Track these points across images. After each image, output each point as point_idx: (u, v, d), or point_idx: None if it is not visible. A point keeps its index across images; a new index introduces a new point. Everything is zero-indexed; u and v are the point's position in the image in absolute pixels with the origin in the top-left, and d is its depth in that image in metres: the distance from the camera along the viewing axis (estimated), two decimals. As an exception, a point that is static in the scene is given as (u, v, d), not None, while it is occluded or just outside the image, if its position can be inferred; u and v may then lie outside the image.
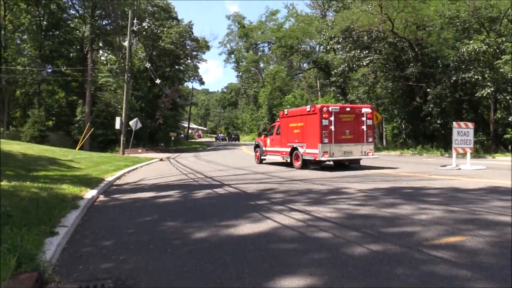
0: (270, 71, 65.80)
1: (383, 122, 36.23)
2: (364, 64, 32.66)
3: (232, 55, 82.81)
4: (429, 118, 27.70)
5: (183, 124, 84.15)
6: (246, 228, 5.71)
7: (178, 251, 4.70)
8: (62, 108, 47.89)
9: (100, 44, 48.89)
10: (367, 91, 35.29)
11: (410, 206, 6.90)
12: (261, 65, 78.28)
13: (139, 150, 38.82)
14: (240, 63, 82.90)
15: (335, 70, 36.55)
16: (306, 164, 15.79)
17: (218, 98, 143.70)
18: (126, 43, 30.72)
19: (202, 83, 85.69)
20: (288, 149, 16.95)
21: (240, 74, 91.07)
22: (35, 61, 41.23)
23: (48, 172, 12.67)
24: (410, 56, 29.78)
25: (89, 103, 41.60)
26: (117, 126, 29.74)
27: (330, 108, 15.02)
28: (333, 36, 33.72)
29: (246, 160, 23.35)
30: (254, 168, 17.36)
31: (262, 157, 20.13)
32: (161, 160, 25.89)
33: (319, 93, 57.39)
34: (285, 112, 17.98)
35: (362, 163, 16.55)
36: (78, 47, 47.17)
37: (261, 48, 72.79)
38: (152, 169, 19.18)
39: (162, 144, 48.58)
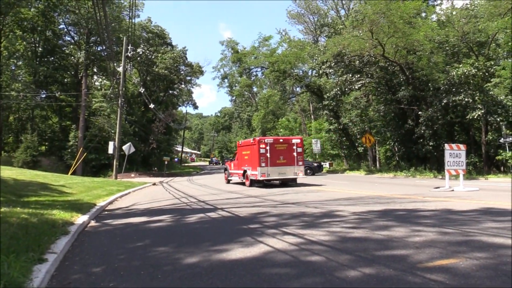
0: (264, 95, 66.18)
1: (376, 145, 36.41)
2: (356, 87, 33.02)
3: (226, 80, 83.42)
4: (421, 140, 27.87)
5: (176, 148, 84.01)
6: (238, 252, 5.64)
7: (169, 277, 4.61)
8: (55, 133, 47.68)
9: (95, 70, 49.21)
10: (360, 114, 35.60)
11: (404, 229, 6.86)
12: (255, 89, 78.81)
13: (132, 175, 38.61)
14: (234, 88, 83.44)
15: (327, 94, 36.88)
16: (254, 183, 19.86)
17: (212, 122, 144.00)
18: (120, 69, 30.93)
19: (195, 107, 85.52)
20: (242, 171, 21.43)
21: (234, 98, 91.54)
22: (29, 86, 41.31)
23: (39, 197, 12.52)
24: (401, 79, 30.18)
25: (83, 128, 41.56)
26: (110, 150, 29.66)
27: (266, 140, 19.56)
28: (325, 60, 34.15)
29: (239, 184, 23.23)
30: (247, 191, 17.26)
31: (229, 178, 24.28)
32: (154, 184, 25.71)
33: (312, 116, 57.76)
34: (240, 143, 23.06)
35: (299, 181, 20.74)
36: (73, 73, 47.41)
37: (254, 73, 73.47)
38: (145, 193, 19.03)
39: (156, 168, 48.40)
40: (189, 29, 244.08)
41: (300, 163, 19.74)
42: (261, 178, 19.00)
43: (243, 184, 21.61)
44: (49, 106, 46.45)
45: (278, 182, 20.37)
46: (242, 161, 21.57)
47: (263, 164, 18.98)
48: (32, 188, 15.31)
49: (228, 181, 24.46)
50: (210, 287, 4.16)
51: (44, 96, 45.90)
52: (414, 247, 5.46)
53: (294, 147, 19.65)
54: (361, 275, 4.27)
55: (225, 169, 25.74)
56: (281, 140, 20.10)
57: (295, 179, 20.25)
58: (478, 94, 23.96)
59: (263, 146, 19.12)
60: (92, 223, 9.27)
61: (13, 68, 46.50)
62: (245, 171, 20.87)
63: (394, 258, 4.94)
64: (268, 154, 19.06)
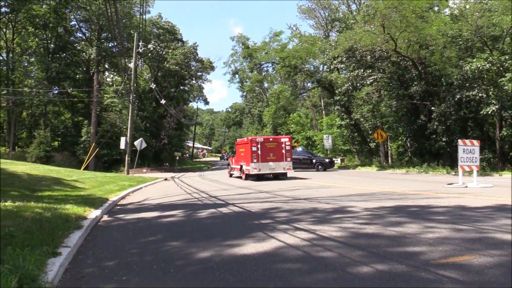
0: (274, 90, 65.94)
1: (388, 141, 36.11)
2: (368, 83, 32.78)
3: (237, 75, 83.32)
4: (434, 136, 27.59)
5: (188, 144, 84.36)
6: (250, 247, 5.65)
7: (181, 271, 4.64)
8: (67, 129, 48.27)
9: (106, 66, 49.64)
10: (371, 109, 35.32)
11: (417, 225, 6.80)
12: (265, 84, 78.58)
13: (144, 170, 38.88)
14: (244, 83, 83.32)
15: (339, 89, 36.67)
16: (249, 177, 22.45)
17: (223, 118, 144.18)
18: (131, 65, 31.09)
19: (206, 103, 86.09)
20: (239, 167, 24.28)
21: (245, 93, 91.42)
22: (42, 82, 41.81)
23: (53, 192, 12.67)
24: (414, 74, 29.87)
25: (95, 123, 41.96)
26: (122, 146, 29.88)
27: (257, 139, 22.52)
28: (336, 55, 33.93)
29: (250, 180, 23.25)
30: (258, 187, 17.28)
31: (231, 172, 26.87)
32: (165, 179, 25.87)
33: (323, 112, 57.45)
34: (238, 141, 26.59)
35: (289, 175, 23.55)
36: (85, 69, 47.87)
37: (265, 68, 73.26)
38: (156, 188, 19.16)
39: (167, 163, 48.65)
40: (200, 25, 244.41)
41: (289, 159, 22.51)
42: (254, 173, 21.77)
43: (241, 177, 24.02)
44: (62, 102, 46.98)
45: (271, 175, 22.79)
46: (239, 158, 24.47)
47: (254, 160, 21.70)
48: (46, 183, 15.50)
49: (230, 175, 27.00)
50: (222, 281, 4.18)
51: (56, 92, 46.48)
52: (427, 243, 5.42)
53: (283, 145, 22.46)
54: (373, 271, 4.25)
55: (228, 164, 29.16)
56: (271, 139, 23.21)
57: (285, 173, 23.04)
58: (492, 89, 23.61)
59: (255, 144, 21.95)
60: (105, 217, 9.36)
61: (25, 64, 47.13)
62: (241, 166, 23.68)
63: (407, 254, 4.91)
64: (259, 152, 21.85)
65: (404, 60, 29.34)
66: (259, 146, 21.91)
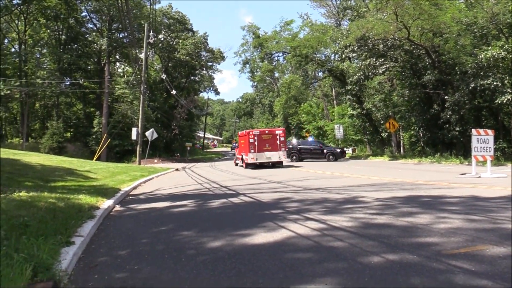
0: (285, 80, 65.63)
1: (400, 130, 35.81)
2: (380, 72, 32.42)
3: (247, 65, 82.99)
4: (447, 125, 27.26)
5: (198, 134, 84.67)
6: (260, 237, 5.69)
7: (193, 260, 4.70)
8: (79, 120, 48.73)
9: (117, 57, 49.81)
10: (384, 99, 35.00)
11: (429, 215, 6.77)
12: (276, 74, 78.19)
13: (155, 160, 39.17)
14: (255, 73, 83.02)
15: (350, 79, 36.34)
16: (248, 165, 25.20)
17: (234, 108, 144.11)
18: (142, 55, 31.19)
19: (217, 93, 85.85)
20: (240, 156, 27.28)
21: (255, 83, 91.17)
22: (54, 74, 42.14)
23: (66, 182, 12.86)
24: (427, 63, 29.45)
25: (106, 114, 42.27)
26: (133, 136, 30.10)
27: (254, 132, 25.55)
28: (348, 44, 33.60)
29: (260, 169, 23.33)
30: (269, 177, 17.32)
31: (236, 162, 29.57)
32: (176, 170, 26.01)
33: (334, 101, 57.12)
34: (239, 133, 30.06)
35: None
36: (96, 60, 48.10)
37: (276, 58, 72.75)
38: (167, 179, 19.31)
39: (178, 154, 48.95)
40: (210, 15, 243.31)
41: (283, 149, 25.38)
42: (251, 162, 24.64)
43: (242, 166, 26.77)
44: (74, 93, 47.38)
45: (270, 163, 25.46)
46: (241, 148, 27.32)
47: (252, 151, 24.50)
48: (59, 173, 15.72)
49: (236, 164, 29.56)
50: (233, 271, 4.22)
51: (68, 83, 46.84)
52: (439, 234, 5.40)
53: (278, 137, 25.27)
54: (384, 261, 4.26)
55: (234, 154, 33.42)
56: (266, 132, 26.26)
57: (281, 162, 25.81)
58: (507, 77, 23.18)
59: (252, 136, 24.81)
60: (117, 207, 9.48)
61: (37, 56, 47.50)
62: (242, 156, 26.62)
63: (418, 245, 4.90)
64: (256, 143, 24.56)
65: (417, 48, 28.91)
66: (255, 138, 24.69)
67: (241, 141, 27.35)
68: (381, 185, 12.40)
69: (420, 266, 4.03)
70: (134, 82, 39.23)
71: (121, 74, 51.38)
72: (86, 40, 47.33)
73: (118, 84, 44.77)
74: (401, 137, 36.66)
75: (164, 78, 39.89)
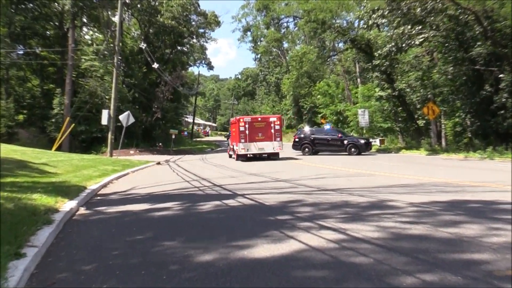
0: (296, 52, 65.61)
1: (442, 117, 35.74)
2: (417, 43, 32.26)
3: (249, 33, 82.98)
4: (502, 111, 27.19)
5: (186, 119, 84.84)
6: (263, 250, 5.68)
7: (176, 277, 4.69)
8: (35, 99, 48.51)
9: (84, 20, 49.43)
10: (421, 77, 34.90)
11: (478, 225, 6.76)
12: (285, 45, 78.22)
13: (131, 151, 39.25)
14: (259, 43, 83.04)
15: (379, 51, 36.19)
16: (239, 157, 27.05)
17: (231, 87, 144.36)
18: (116, 18, 31.06)
19: (210, 67, 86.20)
20: (232, 147, 28.90)
21: (259, 56, 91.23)
22: (3, 40, 41.96)
23: (17, 178, 12.84)
24: (477, 32, 29.31)
25: (70, 92, 42.12)
26: (104, 121, 30.12)
27: (245, 119, 27.03)
28: (376, 8, 33.41)
29: (263, 164, 23.35)
30: (273, 174, 17.34)
31: (230, 153, 31.11)
32: (158, 163, 26.09)
33: (358, 80, 57.01)
34: (231, 120, 31.88)
35: (281, 155, 28.23)
36: (57, 24, 47.82)
37: (285, 24, 72.75)
38: (147, 174, 19.37)
39: (160, 143, 49.00)
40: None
41: (278, 139, 26.88)
42: (242, 153, 26.42)
43: (234, 158, 28.46)
44: (28, 65, 47.16)
45: (265, 155, 27.40)
46: (232, 137, 29.09)
47: (242, 140, 26.18)
48: (8, 166, 15.69)
49: (230, 156, 31.17)
50: (227, 292, 4.20)
51: (21, 52, 46.63)
52: (490, 249, 5.38)
53: (272, 125, 26.76)
54: (419, 283, 4.24)
55: (228, 144, 34.98)
56: (259, 119, 28.11)
57: (276, 154, 27.52)
58: None
59: (243, 124, 26.23)
60: (82, 210, 9.49)
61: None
62: (233, 146, 28.30)
63: (464, 262, 4.88)
64: (247, 132, 26.22)
65: (464, 13, 28.76)
66: (247, 126, 26.24)
67: (232, 129, 29.09)
68: (417, 186, 12.39)
69: (465, 290, 4.01)
70: (105, 52, 39.06)
71: (89, 42, 51.15)
72: (44, -2, 47.06)
73: (85, 55, 44.56)
74: (442, 125, 36.58)
75: (143, 47, 39.77)
